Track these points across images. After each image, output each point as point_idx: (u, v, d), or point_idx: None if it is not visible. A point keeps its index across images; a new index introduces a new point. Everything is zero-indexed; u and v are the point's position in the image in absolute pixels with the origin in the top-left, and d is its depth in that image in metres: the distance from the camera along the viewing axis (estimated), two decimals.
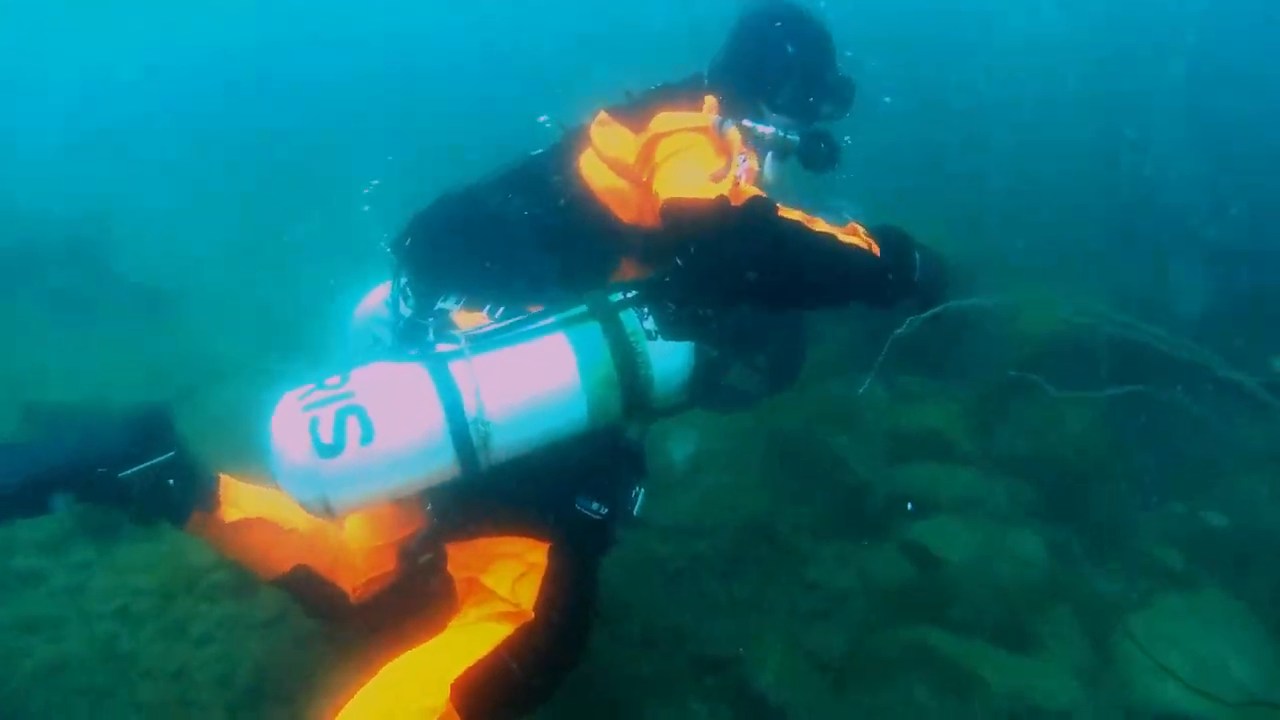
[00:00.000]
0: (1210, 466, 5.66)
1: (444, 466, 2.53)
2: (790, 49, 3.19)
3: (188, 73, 17.24)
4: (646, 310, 2.72)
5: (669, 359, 2.72)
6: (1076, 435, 5.59)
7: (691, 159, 2.67)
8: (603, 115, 3.04)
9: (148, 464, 2.75)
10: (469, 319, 2.76)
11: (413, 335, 2.84)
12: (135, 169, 10.22)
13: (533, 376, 2.56)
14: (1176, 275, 6.66)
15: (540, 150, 3.19)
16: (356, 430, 2.39)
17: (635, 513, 2.93)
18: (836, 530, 5.03)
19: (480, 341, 2.59)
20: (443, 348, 2.60)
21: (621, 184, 2.89)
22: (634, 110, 2.95)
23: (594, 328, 2.64)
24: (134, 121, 13.34)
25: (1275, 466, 5.56)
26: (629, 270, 2.90)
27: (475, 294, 2.82)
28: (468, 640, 2.59)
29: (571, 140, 3.12)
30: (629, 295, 2.73)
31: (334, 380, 2.51)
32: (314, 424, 2.40)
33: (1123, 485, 5.48)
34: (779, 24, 3.23)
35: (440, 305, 2.85)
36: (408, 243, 3.05)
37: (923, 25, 12.85)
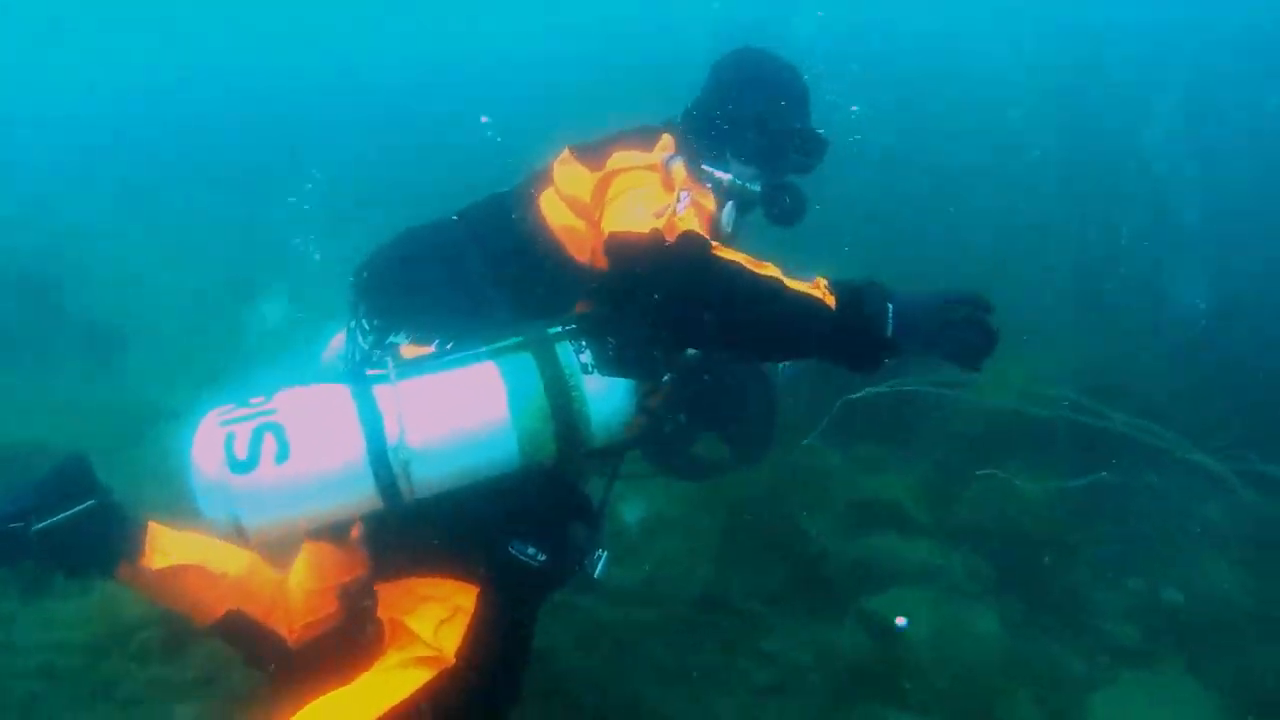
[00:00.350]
0: (1169, 542, 5.64)
1: (363, 494, 2.40)
2: (756, 98, 3.11)
3: (143, 103, 17.08)
4: (584, 344, 2.62)
5: (606, 395, 2.59)
6: (1035, 508, 5.56)
7: (639, 196, 2.61)
8: (565, 153, 2.96)
9: (65, 514, 2.64)
10: (417, 354, 2.67)
11: (362, 368, 2.74)
12: (91, 202, 10.02)
13: (459, 405, 2.45)
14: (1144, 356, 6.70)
15: (506, 188, 3.12)
16: (272, 447, 2.29)
17: (596, 575, 2.80)
18: (794, 601, 4.94)
19: (409, 367, 2.51)
20: (372, 372, 2.52)
21: (578, 223, 2.81)
22: (596, 148, 2.88)
23: (526, 358, 2.54)
24: (88, 153, 13.08)
25: (1233, 543, 5.55)
26: (583, 310, 2.80)
27: (428, 330, 2.72)
28: (384, 685, 2.47)
29: (535, 178, 3.05)
30: (566, 328, 2.63)
31: (258, 399, 2.42)
32: (229, 439, 2.30)
33: (1080, 560, 5.44)
34: (747, 72, 3.19)
35: (392, 340, 2.75)
36: (364, 276, 2.96)
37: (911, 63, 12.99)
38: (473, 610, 2.55)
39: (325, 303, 3.45)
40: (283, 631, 3.05)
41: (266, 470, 2.29)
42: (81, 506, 2.69)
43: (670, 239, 2.36)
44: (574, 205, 2.82)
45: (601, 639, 4.49)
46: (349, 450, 2.36)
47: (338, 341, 3.28)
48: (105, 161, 12.26)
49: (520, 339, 2.59)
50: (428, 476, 2.44)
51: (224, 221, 9.95)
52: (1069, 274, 7.68)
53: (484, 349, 2.56)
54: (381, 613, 2.66)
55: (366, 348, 2.82)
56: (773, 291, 2.36)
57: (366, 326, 2.86)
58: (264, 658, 3.10)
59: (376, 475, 2.37)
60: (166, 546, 2.92)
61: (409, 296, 2.83)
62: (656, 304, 2.36)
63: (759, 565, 5.13)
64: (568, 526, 2.75)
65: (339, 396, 2.43)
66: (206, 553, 2.97)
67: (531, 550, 2.61)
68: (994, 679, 4.39)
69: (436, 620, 2.53)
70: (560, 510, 2.76)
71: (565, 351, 2.59)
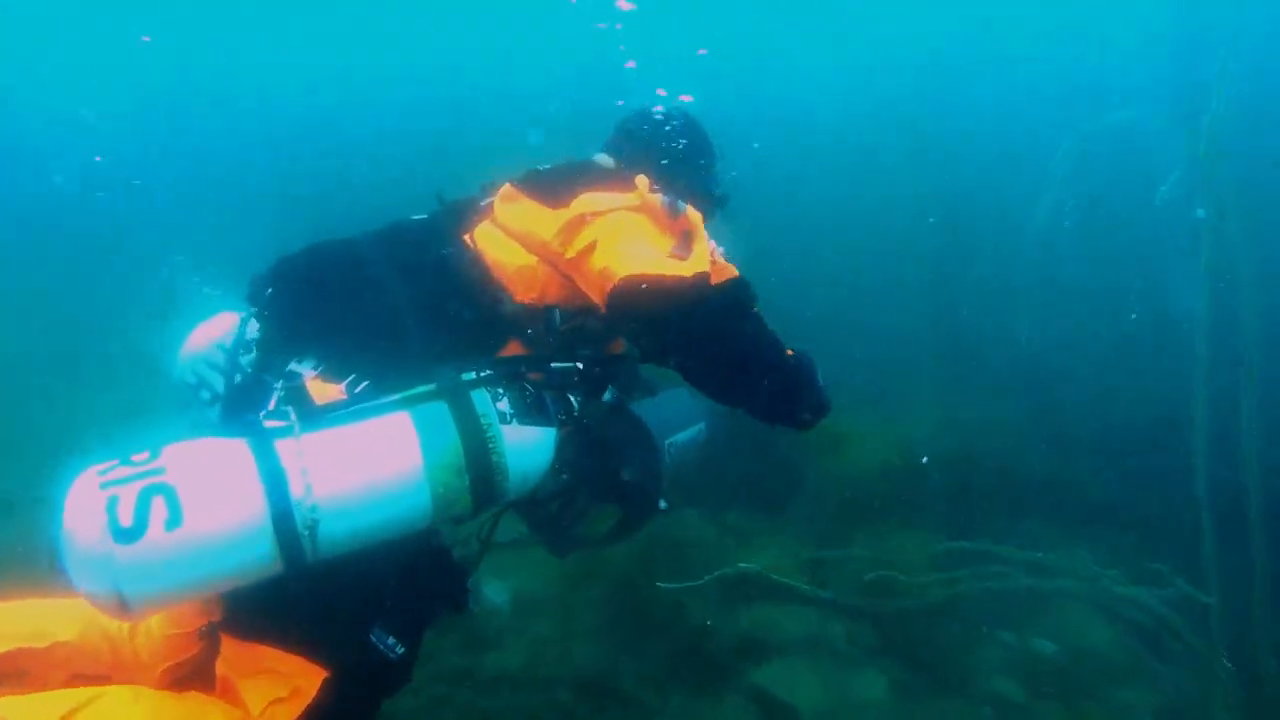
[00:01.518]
0: (1035, 595, 5.75)
1: (263, 558, 2.12)
2: (697, 145, 3.22)
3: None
4: (501, 391, 2.43)
5: (525, 446, 2.41)
6: (910, 570, 5.57)
7: (637, 237, 2.55)
8: (508, 189, 2.82)
9: None
10: (324, 390, 2.41)
11: (250, 395, 2.46)
12: None
13: (370, 458, 2.22)
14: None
15: (421, 216, 2.92)
16: (162, 512, 2.00)
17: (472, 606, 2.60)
18: (680, 679, 4.71)
19: (312, 418, 2.25)
20: (271, 424, 2.25)
21: (529, 260, 2.67)
22: (551, 186, 2.76)
23: (440, 407, 2.33)
24: None
25: (1092, 593, 5.70)
26: (514, 350, 2.64)
27: (336, 361, 2.46)
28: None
29: (460, 210, 2.88)
30: (482, 374, 2.44)
31: (142, 456, 2.10)
32: (112, 503, 1.99)
33: (954, 617, 5.47)
34: (677, 122, 3.24)
35: (293, 367, 2.47)
36: (268, 290, 2.65)
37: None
38: (312, 697, 2.30)
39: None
40: (138, 683, 2.57)
41: (156, 538, 1.98)
42: None
43: (716, 283, 2.41)
44: (527, 242, 2.68)
45: None
46: (249, 511, 2.08)
47: (199, 341, 2.92)
48: None
49: (433, 386, 2.37)
50: (333, 536, 2.18)
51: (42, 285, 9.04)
52: (929, 329, 7.91)
53: (396, 397, 2.33)
54: (219, 665, 2.38)
55: (260, 374, 2.52)
56: (782, 356, 2.49)
57: (261, 346, 2.59)
58: None
59: (279, 537, 2.10)
60: None
61: (319, 320, 2.57)
62: (686, 344, 2.41)
63: (639, 644, 4.89)
64: (429, 614, 2.54)
65: (237, 452, 2.14)
66: (28, 624, 2.54)
67: (391, 640, 2.39)
68: None
69: (271, 696, 2.28)
70: (430, 592, 2.52)
71: (482, 399, 2.38)
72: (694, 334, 2.38)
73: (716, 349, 2.42)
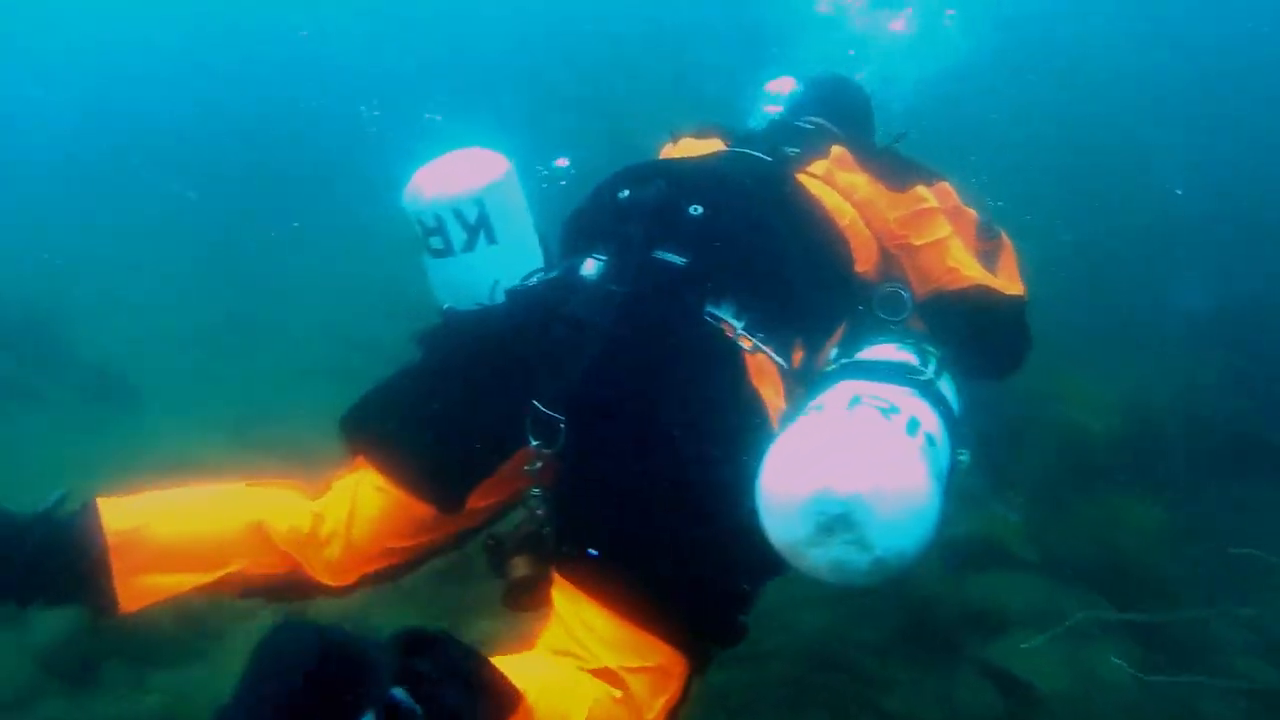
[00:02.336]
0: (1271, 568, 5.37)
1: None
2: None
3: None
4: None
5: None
6: (1138, 536, 5.26)
7: (961, 244, 2.77)
8: (842, 152, 2.84)
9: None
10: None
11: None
12: (89, 233, 9.24)
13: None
14: None
15: (753, 156, 2.82)
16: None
17: None
18: (907, 650, 4.57)
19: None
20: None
21: (867, 233, 2.73)
22: (885, 163, 2.84)
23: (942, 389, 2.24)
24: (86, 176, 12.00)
25: None
26: (841, 323, 2.57)
27: (759, 313, 2.26)
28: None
29: (786, 161, 2.80)
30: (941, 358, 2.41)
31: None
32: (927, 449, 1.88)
33: (1190, 590, 5.15)
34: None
35: (713, 309, 2.24)
36: (699, 212, 2.38)
37: None
38: (678, 691, 2.03)
39: None
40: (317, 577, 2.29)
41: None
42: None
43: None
44: (865, 211, 2.74)
45: (714, 706, 4.10)
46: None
47: (461, 184, 2.54)
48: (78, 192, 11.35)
49: (927, 368, 2.25)
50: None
51: (211, 253, 9.25)
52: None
53: (928, 373, 2.22)
54: (609, 657, 1.97)
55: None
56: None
57: (726, 309, 2.28)
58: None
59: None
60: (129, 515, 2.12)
61: (770, 281, 2.34)
62: (994, 343, 2.71)
63: (864, 613, 4.75)
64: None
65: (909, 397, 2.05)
66: (188, 519, 2.20)
67: (743, 619, 2.11)
68: None
69: (665, 696, 1.99)
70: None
71: (949, 386, 2.33)
72: (1004, 337, 2.73)
73: (1017, 346, 2.75)
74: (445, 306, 2.54)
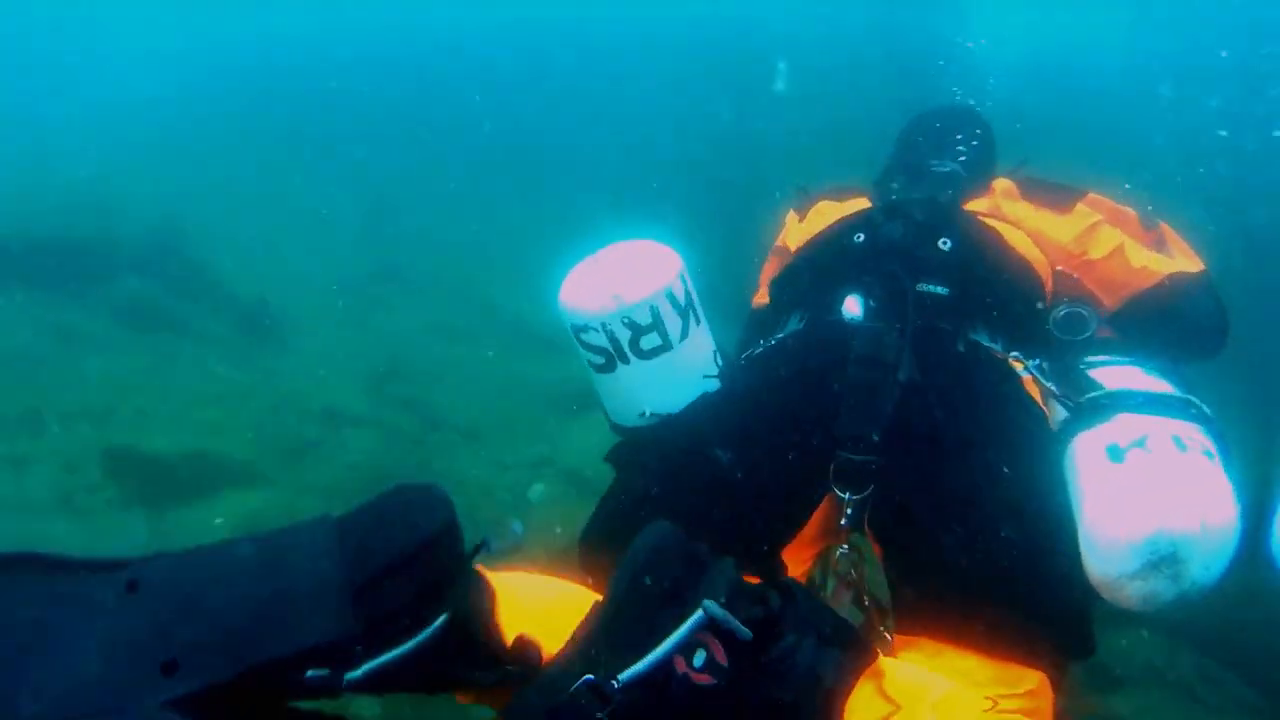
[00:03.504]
0: None
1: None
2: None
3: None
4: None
5: None
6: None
7: (1133, 242, 2.84)
8: (1009, 186, 2.94)
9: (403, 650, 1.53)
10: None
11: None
12: (223, 165, 9.38)
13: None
14: None
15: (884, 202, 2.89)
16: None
17: None
18: None
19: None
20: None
21: (1043, 259, 2.81)
22: (1046, 189, 2.93)
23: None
24: (216, 111, 12.10)
25: None
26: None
27: (1007, 338, 2.45)
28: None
29: (957, 202, 2.90)
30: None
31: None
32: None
33: None
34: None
35: (974, 336, 2.40)
36: (949, 246, 2.56)
37: None
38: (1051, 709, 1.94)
39: None
40: None
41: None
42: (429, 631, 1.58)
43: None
44: (1040, 240, 2.83)
45: None
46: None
47: (634, 291, 2.29)
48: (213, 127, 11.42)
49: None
50: None
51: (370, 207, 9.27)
52: None
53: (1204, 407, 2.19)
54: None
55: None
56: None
57: (982, 335, 2.45)
58: None
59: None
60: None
61: (1012, 306, 2.54)
62: (1196, 325, 2.72)
63: None
64: None
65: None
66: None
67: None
68: None
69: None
70: None
71: None
72: (1204, 315, 2.73)
73: (1217, 319, 2.74)
74: (647, 413, 2.38)
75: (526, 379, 6.03)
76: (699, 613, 1.47)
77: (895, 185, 3.14)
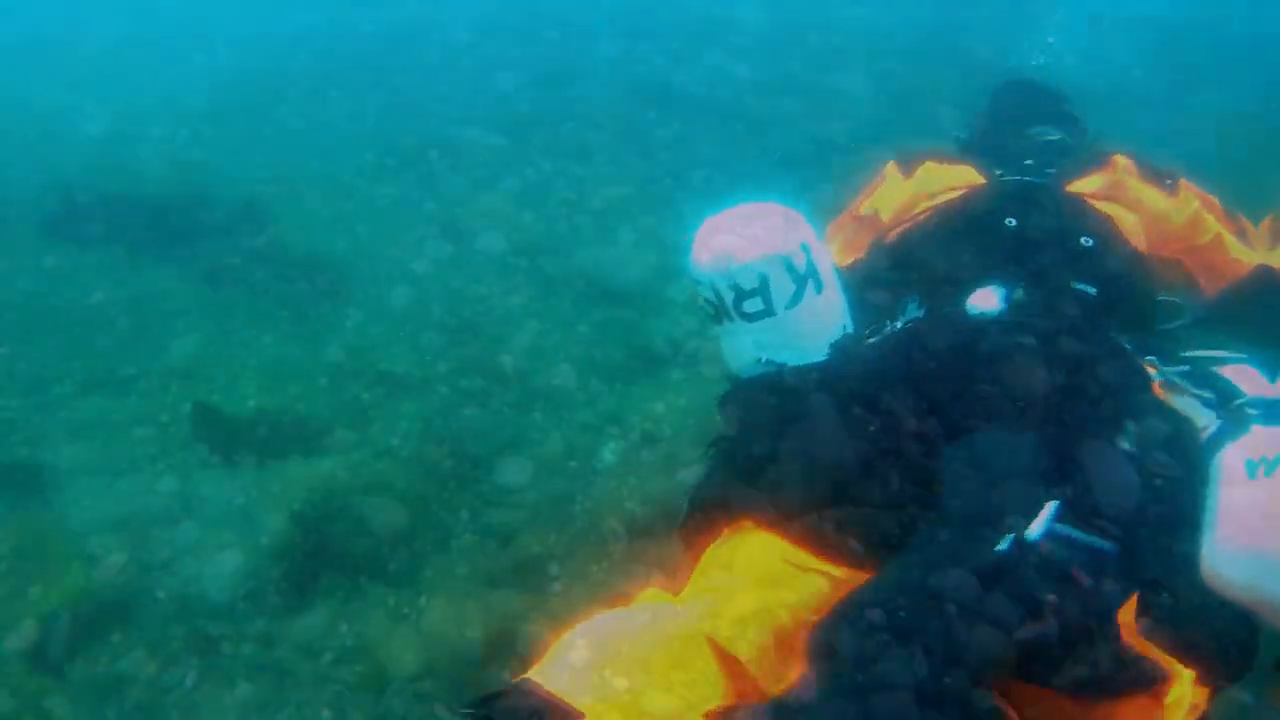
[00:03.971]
0: None
1: None
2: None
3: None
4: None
5: None
6: None
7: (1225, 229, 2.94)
8: (1129, 164, 2.89)
9: None
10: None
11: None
12: (315, 142, 9.48)
13: None
14: None
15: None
16: None
17: None
18: None
19: None
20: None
21: (1145, 247, 2.81)
22: (1146, 171, 2.91)
23: None
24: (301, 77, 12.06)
25: None
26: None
27: (1136, 340, 2.42)
28: None
29: (1056, 183, 2.86)
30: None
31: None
32: None
33: None
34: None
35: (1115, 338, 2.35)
36: (1091, 244, 2.59)
37: None
38: None
39: None
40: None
41: None
42: None
43: None
44: (1156, 226, 2.83)
45: None
46: None
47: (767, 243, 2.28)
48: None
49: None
50: None
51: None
52: None
53: None
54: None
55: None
56: None
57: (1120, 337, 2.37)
58: None
59: None
60: None
61: (1137, 307, 2.60)
62: None
63: None
64: None
65: None
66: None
67: None
68: None
69: None
70: None
71: None
72: None
73: None
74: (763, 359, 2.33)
75: (600, 337, 6.11)
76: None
77: (1003, 156, 2.98)
